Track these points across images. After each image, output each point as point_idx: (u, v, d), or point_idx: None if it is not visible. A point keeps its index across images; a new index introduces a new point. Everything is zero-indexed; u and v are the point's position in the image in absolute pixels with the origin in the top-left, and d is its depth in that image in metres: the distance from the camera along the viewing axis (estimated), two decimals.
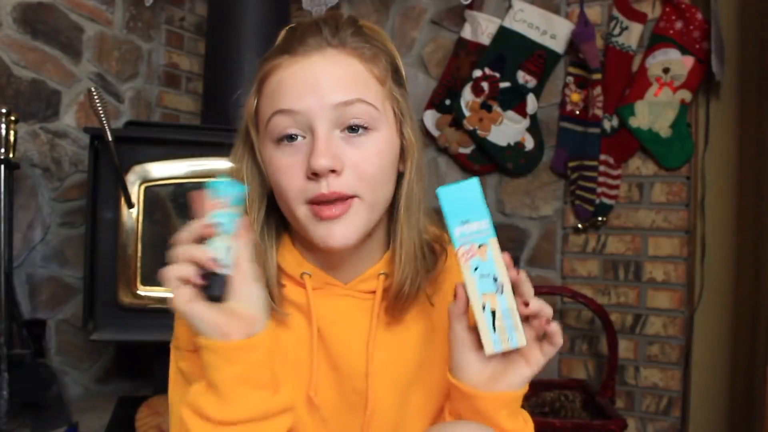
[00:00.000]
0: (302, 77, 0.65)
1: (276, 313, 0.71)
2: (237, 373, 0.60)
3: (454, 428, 0.66)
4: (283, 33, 0.74)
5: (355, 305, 0.75)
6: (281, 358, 0.68)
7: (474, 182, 0.64)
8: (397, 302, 0.73)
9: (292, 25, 0.74)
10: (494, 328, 0.62)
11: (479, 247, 0.63)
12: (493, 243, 0.63)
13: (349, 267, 0.74)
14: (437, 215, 0.75)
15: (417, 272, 0.72)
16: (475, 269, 0.63)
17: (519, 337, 0.62)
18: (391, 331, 0.75)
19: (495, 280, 0.63)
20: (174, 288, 0.59)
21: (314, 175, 0.64)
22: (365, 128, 0.66)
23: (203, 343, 0.60)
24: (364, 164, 0.66)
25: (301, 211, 0.66)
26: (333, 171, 0.64)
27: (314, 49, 0.66)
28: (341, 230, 0.66)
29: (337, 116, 0.65)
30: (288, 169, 0.66)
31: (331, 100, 0.64)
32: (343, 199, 0.65)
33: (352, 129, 0.66)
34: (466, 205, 0.63)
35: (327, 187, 0.64)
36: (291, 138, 0.66)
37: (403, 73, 0.74)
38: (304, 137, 0.66)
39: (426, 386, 0.76)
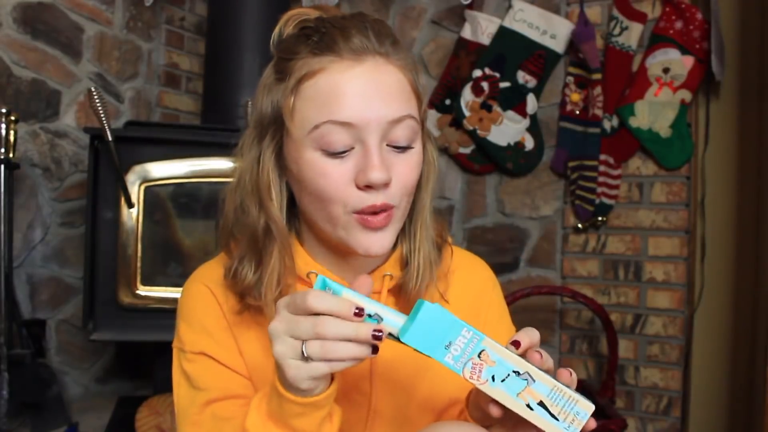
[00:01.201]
0: (359, 88, 0.64)
1: None
2: (323, 414, 0.61)
3: (450, 428, 0.66)
4: (293, 20, 0.71)
5: None
6: None
7: (426, 307, 0.58)
8: (408, 302, 0.73)
9: (300, 15, 0.70)
10: (554, 416, 0.57)
11: (479, 356, 0.57)
12: (489, 343, 0.58)
13: (360, 268, 0.75)
14: (437, 212, 0.76)
15: (431, 274, 0.74)
16: (494, 378, 0.57)
17: (583, 405, 0.57)
18: None
19: (518, 374, 0.57)
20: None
21: (367, 187, 0.65)
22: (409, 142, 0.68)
23: (294, 399, 0.59)
24: (408, 176, 0.68)
25: (344, 219, 0.66)
26: (385, 184, 0.65)
27: (364, 54, 0.65)
28: (382, 239, 0.67)
29: (387, 130, 0.65)
30: (333, 175, 0.65)
31: (386, 116, 0.65)
32: (387, 209, 0.66)
33: (399, 144, 0.67)
34: (436, 330, 0.57)
35: (378, 199, 0.65)
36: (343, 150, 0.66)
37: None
38: (352, 147, 0.66)
39: (430, 386, 0.76)
